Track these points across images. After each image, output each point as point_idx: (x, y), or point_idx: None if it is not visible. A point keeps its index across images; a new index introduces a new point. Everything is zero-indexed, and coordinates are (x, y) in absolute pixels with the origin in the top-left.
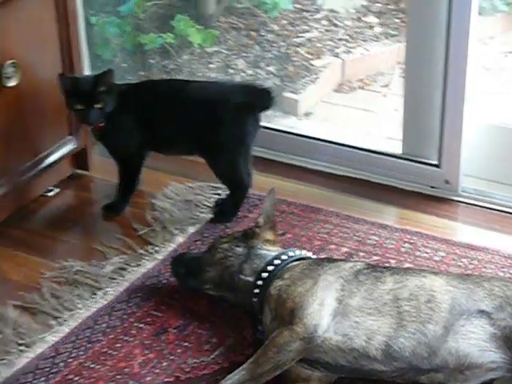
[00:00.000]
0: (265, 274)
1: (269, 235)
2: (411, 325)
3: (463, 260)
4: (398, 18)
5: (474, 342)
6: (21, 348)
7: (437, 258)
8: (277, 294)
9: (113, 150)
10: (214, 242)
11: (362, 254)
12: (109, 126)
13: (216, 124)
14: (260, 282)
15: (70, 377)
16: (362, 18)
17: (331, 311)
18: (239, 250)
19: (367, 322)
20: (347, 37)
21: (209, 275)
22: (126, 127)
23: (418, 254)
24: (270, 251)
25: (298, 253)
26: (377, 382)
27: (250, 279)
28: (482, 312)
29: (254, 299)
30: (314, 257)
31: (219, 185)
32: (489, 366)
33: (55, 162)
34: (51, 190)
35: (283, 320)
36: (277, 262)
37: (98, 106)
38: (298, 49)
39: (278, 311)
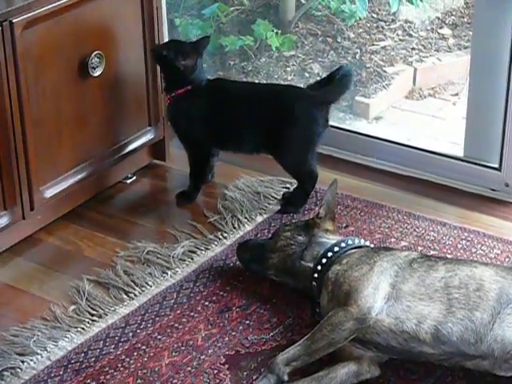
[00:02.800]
0: (324, 260)
1: (329, 225)
2: (460, 311)
3: None
4: (471, 31)
5: None
6: (93, 318)
7: (491, 255)
8: (334, 278)
9: (179, 136)
10: (277, 230)
11: (420, 248)
12: (177, 107)
13: (288, 125)
14: (319, 268)
15: (138, 345)
16: (436, 30)
17: (385, 295)
18: (301, 238)
19: (418, 307)
20: (421, 47)
21: (272, 261)
22: (191, 115)
23: (473, 250)
24: (329, 239)
25: (357, 241)
26: (425, 365)
27: (310, 265)
28: None
29: (313, 283)
30: (372, 246)
31: (288, 179)
32: None
33: (134, 151)
34: (129, 178)
35: (339, 302)
36: (336, 249)
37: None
38: (372, 56)
39: (334, 293)
